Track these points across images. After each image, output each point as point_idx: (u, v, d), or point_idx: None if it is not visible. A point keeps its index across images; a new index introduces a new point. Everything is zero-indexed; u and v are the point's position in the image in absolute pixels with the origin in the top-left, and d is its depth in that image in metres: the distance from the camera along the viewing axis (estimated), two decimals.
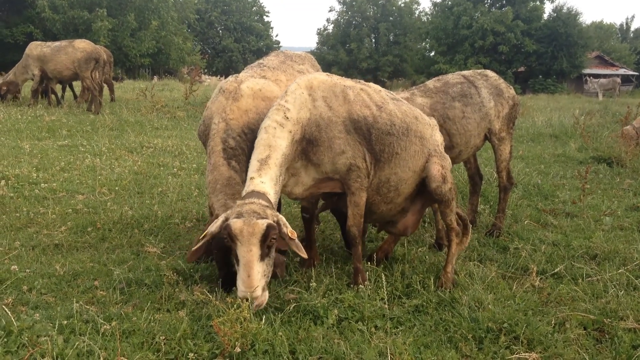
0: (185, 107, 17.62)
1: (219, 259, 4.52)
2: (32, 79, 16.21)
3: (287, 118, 4.42)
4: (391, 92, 5.22)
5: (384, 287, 4.54)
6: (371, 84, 5.11)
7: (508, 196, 6.86)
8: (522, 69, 57.52)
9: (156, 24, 45.70)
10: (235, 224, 3.87)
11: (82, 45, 15.81)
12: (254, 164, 4.27)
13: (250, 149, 4.51)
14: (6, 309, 3.88)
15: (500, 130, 6.46)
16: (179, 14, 51.51)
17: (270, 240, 3.93)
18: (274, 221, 3.96)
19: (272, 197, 4.19)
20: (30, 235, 5.92)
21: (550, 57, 54.39)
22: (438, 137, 5.24)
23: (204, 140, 5.18)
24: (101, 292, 4.50)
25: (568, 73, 54.73)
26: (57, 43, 16.13)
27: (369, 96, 4.83)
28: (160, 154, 10.58)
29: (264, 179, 4.20)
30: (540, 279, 5.09)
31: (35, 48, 15.74)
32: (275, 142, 4.31)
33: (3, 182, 7.62)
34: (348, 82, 4.88)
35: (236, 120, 4.90)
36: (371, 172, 4.74)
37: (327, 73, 5.05)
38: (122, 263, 5.22)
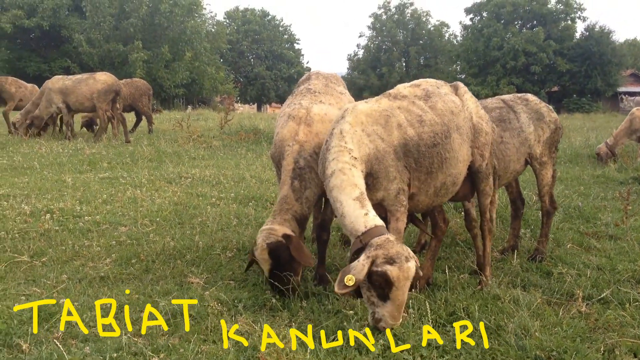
0: (221, 136, 17.86)
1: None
2: (57, 113, 16.76)
3: (355, 158, 4.54)
4: (422, 85, 5.30)
5: (429, 315, 4.52)
6: (401, 88, 5.23)
7: (551, 221, 6.77)
8: (555, 88, 57.12)
9: (190, 55, 46.61)
10: (393, 272, 4.02)
11: (103, 77, 16.29)
12: (350, 203, 4.36)
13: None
14: (57, 343, 3.96)
15: (541, 155, 6.43)
16: (211, 45, 52.48)
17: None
18: None
19: None
20: (76, 268, 6.03)
21: (584, 76, 53.93)
22: (471, 107, 5.34)
23: (276, 160, 5.81)
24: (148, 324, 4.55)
25: (603, 92, 54.14)
26: (78, 76, 16.68)
27: (408, 113, 4.89)
28: (198, 184, 10.71)
29: (374, 213, 4.36)
30: (587, 304, 5.00)
31: (57, 82, 16.23)
32: (358, 181, 4.46)
33: (48, 215, 7.79)
34: (383, 103, 4.95)
35: (309, 142, 5.52)
36: (412, 190, 4.87)
37: (366, 100, 5.14)
38: (166, 294, 5.27)
